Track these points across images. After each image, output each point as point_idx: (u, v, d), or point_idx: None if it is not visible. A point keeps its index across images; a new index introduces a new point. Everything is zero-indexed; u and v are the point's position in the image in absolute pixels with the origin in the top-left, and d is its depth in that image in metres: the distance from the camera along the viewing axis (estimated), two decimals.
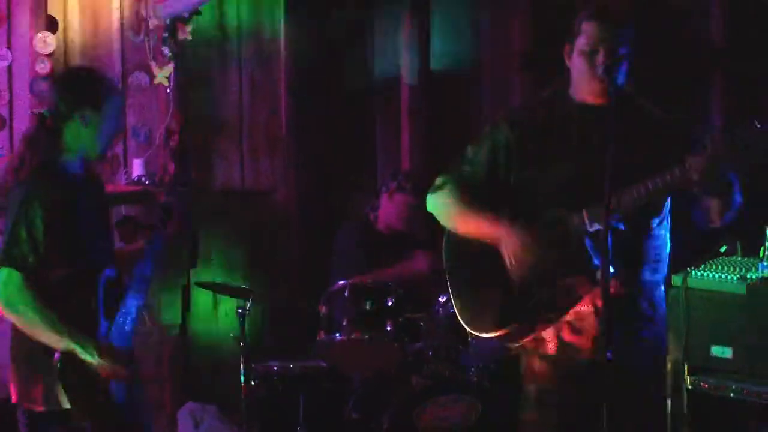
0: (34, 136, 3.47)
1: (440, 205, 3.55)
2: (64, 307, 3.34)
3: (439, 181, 3.57)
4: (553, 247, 3.29)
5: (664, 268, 3.43)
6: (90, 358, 3.32)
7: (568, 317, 3.35)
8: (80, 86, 3.49)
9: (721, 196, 3.27)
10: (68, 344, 3.30)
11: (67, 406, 3.33)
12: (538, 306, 3.35)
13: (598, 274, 3.00)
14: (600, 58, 3.26)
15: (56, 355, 3.30)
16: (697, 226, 3.41)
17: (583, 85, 3.35)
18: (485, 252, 3.40)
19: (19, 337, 3.40)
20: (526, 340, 3.43)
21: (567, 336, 3.38)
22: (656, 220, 3.36)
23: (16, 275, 3.29)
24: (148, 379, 5.42)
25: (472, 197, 3.47)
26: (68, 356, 3.31)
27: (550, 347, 3.40)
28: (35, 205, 3.31)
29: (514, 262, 3.33)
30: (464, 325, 3.53)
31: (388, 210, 5.34)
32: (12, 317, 3.33)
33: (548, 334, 3.40)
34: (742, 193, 3.32)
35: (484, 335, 3.46)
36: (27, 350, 3.38)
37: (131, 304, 3.50)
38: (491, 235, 3.39)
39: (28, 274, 3.30)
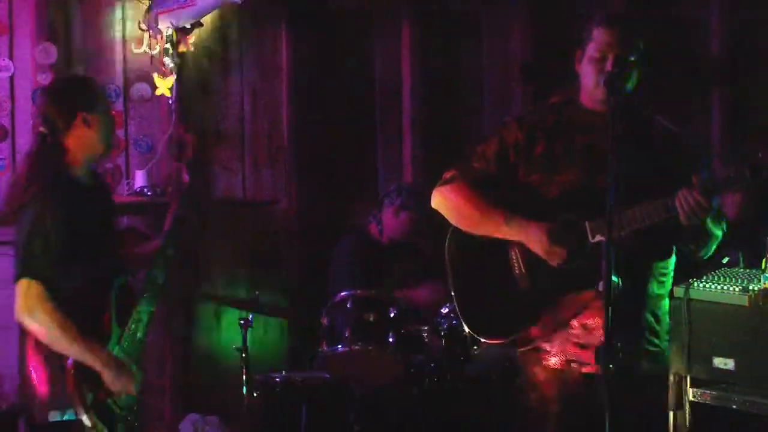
0: (38, 154, 3.50)
1: (449, 200, 3.46)
2: (79, 317, 3.39)
3: (448, 175, 3.49)
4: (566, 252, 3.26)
5: (669, 282, 3.42)
6: (101, 369, 3.36)
7: (575, 330, 3.34)
8: (72, 93, 3.57)
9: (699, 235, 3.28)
10: (83, 355, 3.36)
11: (71, 417, 3.35)
12: (544, 314, 3.32)
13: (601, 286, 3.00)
14: (608, 65, 3.23)
15: (69, 363, 3.34)
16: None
17: (591, 92, 3.32)
18: (493, 253, 3.36)
19: (37, 345, 3.42)
20: (530, 348, 3.40)
21: (572, 349, 3.35)
22: None
23: (36, 285, 3.33)
24: (150, 390, 5.44)
25: (484, 194, 3.40)
26: (81, 366, 3.36)
27: (555, 360, 3.38)
28: (48, 220, 3.36)
29: (544, 256, 3.26)
30: (467, 328, 3.49)
31: (393, 226, 5.38)
32: (32, 327, 3.37)
33: (554, 346, 3.38)
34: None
35: (488, 341, 3.43)
36: (44, 357, 3.42)
37: (142, 310, 3.53)
38: (510, 232, 3.32)
39: (46, 285, 3.34)
